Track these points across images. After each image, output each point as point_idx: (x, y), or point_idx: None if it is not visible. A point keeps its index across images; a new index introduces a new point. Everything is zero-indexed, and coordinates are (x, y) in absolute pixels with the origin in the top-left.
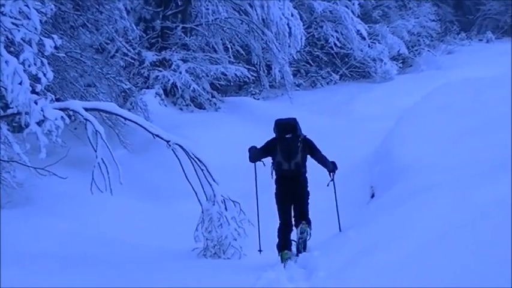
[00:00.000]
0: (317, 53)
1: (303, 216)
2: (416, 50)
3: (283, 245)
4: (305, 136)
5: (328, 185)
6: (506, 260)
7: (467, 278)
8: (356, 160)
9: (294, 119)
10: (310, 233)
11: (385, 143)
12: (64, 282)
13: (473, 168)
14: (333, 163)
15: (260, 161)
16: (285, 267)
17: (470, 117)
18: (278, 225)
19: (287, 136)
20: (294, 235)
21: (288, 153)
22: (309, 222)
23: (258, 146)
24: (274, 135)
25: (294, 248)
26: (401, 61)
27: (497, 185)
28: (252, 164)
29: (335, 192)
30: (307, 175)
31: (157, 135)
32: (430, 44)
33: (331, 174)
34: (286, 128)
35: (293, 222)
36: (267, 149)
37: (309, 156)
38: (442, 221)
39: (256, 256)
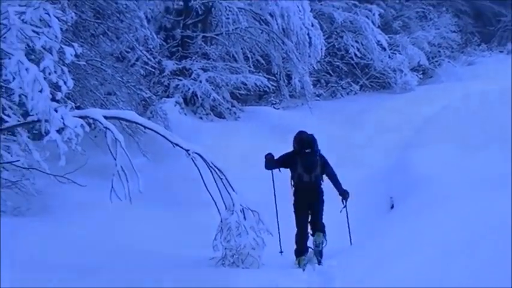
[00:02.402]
0: (337, 63)
1: (318, 224)
2: (436, 61)
3: (300, 251)
4: (320, 151)
5: (341, 212)
6: None
7: None
8: (376, 170)
9: (312, 135)
10: (325, 242)
11: (404, 153)
12: None
13: (492, 179)
14: (346, 192)
15: (275, 168)
16: (303, 270)
17: (490, 127)
18: (296, 232)
19: (307, 151)
20: (310, 242)
21: (309, 166)
22: (323, 231)
23: (275, 155)
24: (292, 148)
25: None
26: (421, 72)
27: None
28: (268, 171)
29: (347, 214)
30: (322, 187)
31: (177, 144)
32: (450, 55)
33: (344, 201)
34: (306, 143)
35: (309, 230)
36: (285, 161)
37: None
38: (461, 231)
39: (275, 265)
